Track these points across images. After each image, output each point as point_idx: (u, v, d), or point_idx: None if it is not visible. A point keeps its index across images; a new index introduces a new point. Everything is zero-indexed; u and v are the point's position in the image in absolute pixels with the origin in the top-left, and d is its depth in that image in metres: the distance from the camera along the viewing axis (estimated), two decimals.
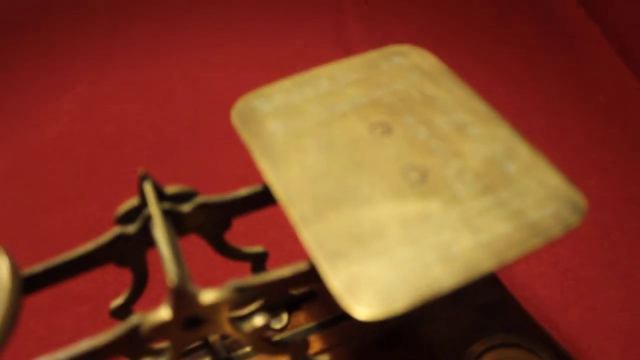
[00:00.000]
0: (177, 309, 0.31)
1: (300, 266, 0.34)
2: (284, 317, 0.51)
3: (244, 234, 0.52)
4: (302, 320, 0.51)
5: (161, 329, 0.32)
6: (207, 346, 0.45)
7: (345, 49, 0.88)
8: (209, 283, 0.35)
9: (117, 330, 0.33)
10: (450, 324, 0.50)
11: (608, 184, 0.65)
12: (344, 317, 0.49)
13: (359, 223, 0.32)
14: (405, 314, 0.48)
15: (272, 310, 0.51)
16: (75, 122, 0.82)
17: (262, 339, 0.37)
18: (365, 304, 0.29)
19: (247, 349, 0.47)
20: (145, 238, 0.38)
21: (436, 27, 0.93)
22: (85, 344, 0.33)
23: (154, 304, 0.33)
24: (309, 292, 0.51)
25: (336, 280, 0.30)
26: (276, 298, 0.41)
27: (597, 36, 0.87)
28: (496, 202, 0.33)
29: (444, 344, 0.48)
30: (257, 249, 0.46)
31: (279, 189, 0.34)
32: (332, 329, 0.49)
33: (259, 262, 0.47)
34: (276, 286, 0.34)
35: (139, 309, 0.42)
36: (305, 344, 0.40)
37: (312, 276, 0.33)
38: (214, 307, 0.32)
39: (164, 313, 0.32)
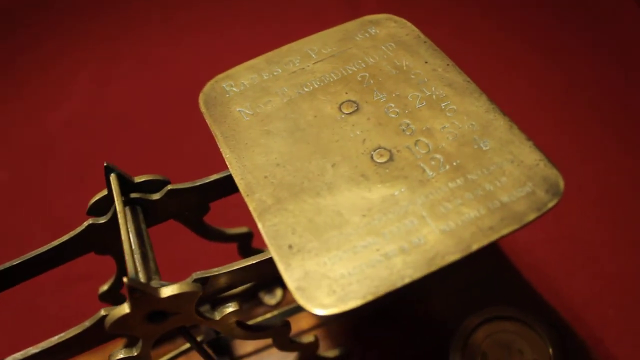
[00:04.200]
0: (135, 304, 0.31)
1: (265, 256, 0.33)
2: (278, 293, 0.51)
3: (233, 214, 0.51)
4: None
5: (124, 323, 0.32)
6: (190, 335, 0.46)
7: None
8: (198, 269, 0.35)
9: (84, 324, 0.33)
10: (446, 297, 0.49)
11: (625, 147, 0.61)
12: None
13: (319, 212, 0.31)
14: (400, 290, 0.47)
15: (266, 286, 0.51)
16: (89, 101, 0.82)
17: (238, 325, 0.37)
18: (318, 303, 0.28)
19: None
20: (119, 227, 0.38)
21: None
22: (55, 339, 0.33)
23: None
24: None
25: (290, 277, 0.29)
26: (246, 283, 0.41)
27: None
28: (466, 185, 0.31)
29: (439, 319, 0.48)
30: (241, 229, 0.46)
31: (239, 178, 0.33)
32: None
33: (244, 243, 0.46)
34: (241, 275, 0.34)
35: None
36: (287, 326, 0.40)
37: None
38: (177, 301, 0.32)
39: (125, 307, 0.31)
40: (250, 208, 0.32)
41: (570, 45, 0.75)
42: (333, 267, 0.29)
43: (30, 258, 0.37)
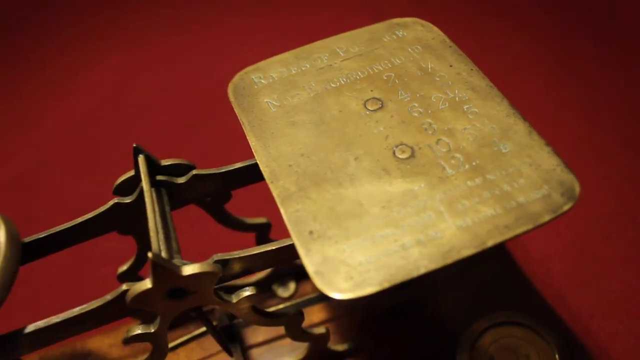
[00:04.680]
0: (157, 279, 0.32)
1: (285, 242, 0.34)
2: (292, 286, 0.52)
3: (254, 205, 0.52)
4: (309, 290, 0.51)
5: (144, 298, 0.33)
6: (206, 317, 0.47)
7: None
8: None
9: (106, 297, 0.34)
10: (457, 299, 0.49)
11: (638, 165, 0.62)
12: None
13: (340, 202, 0.32)
14: (412, 287, 0.47)
15: (280, 279, 0.52)
16: (110, 94, 0.84)
17: (254, 311, 0.38)
18: (335, 287, 0.29)
19: None
20: (143, 208, 0.39)
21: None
22: (76, 310, 0.34)
23: None
24: None
25: (310, 262, 0.30)
26: (264, 268, 0.42)
27: None
28: (484, 184, 0.32)
29: (448, 320, 0.48)
30: (260, 220, 0.47)
31: (264, 166, 0.34)
32: (336, 300, 0.50)
33: (262, 233, 0.47)
34: (260, 260, 0.35)
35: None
36: (300, 316, 0.40)
37: (295, 252, 0.33)
38: (197, 279, 0.33)
39: (147, 282, 0.33)
40: (274, 194, 0.33)
41: (596, 57, 0.76)
42: (351, 254, 0.30)
43: (57, 232, 0.38)
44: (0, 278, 0.33)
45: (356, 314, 0.49)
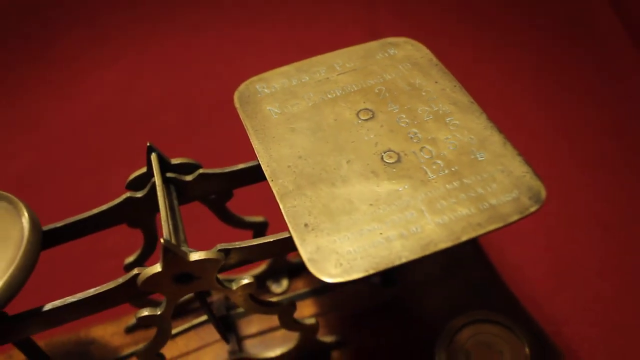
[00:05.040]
0: (167, 264, 0.36)
1: (281, 235, 0.38)
2: (284, 282, 0.55)
3: (251, 204, 0.56)
4: (301, 286, 0.55)
5: (154, 281, 0.36)
6: (207, 304, 0.50)
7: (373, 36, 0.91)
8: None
9: (118, 281, 0.38)
10: (438, 300, 0.53)
11: (615, 179, 0.66)
12: (337, 286, 0.53)
13: (333, 200, 0.36)
14: (397, 287, 0.51)
15: (274, 276, 0.56)
16: (117, 94, 0.88)
17: (251, 298, 0.41)
18: (326, 272, 0.33)
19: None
20: (153, 203, 0.43)
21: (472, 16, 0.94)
22: (91, 291, 0.38)
23: None
24: None
25: (305, 250, 0.34)
26: (263, 259, 0.45)
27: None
28: (461, 187, 0.36)
29: (430, 317, 0.52)
30: (257, 218, 0.50)
31: (265, 166, 0.38)
32: (326, 296, 0.53)
33: (259, 231, 0.51)
34: (259, 251, 0.38)
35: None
36: (293, 306, 0.44)
37: (291, 244, 0.37)
38: (202, 265, 0.37)
39: (157, 267, 0.36)
40: (274, 191, 0.37)
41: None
42: (341, 245, 0.34)
43: (73, 222, 0.42)
44: (24, 261, 0.37)
45: (344, 310, 0.53)
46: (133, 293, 0.38)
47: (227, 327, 0.51)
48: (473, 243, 0.57)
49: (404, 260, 0.33)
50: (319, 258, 0.33)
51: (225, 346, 0.50)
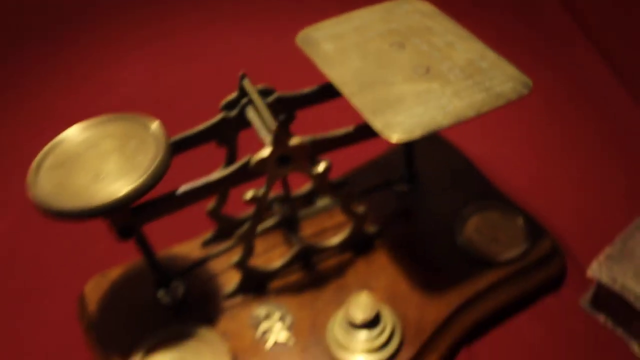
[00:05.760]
0: (275, 146, 0.49)
1: (357, 125, 0.53)
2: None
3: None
4: None
5: (262, 163, 0.50)
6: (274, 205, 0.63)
7: None
8: None
9: (234, 166, 0.51)
10: (444, 200, 0.68)
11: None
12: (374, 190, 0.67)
13: (388, 95, 0.51)
14: (418, 193, 0.66)
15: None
16: (142, 85, 0.99)
17: (324, 181, 0.55)
18: (395, 135, 0.48)
19: (305, 211, 0.66)
20: (241, 121, 0.56)
21: None
22: (215, 175, 0.51)
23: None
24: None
25: (377, 123, 0.49)
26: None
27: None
28: (474, 83, 0.52)
29: (442, 212, 0.67)
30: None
31: (336, 79, 0.53)
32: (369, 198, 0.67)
33: None
34: (341, 140, 0.53)
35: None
36: (354, 192, 0.58)
37: (365, 132, 0.52)
38: (298, 149, 0.51)
39: (265, 151, 0.50)
40: (345, 93, 0.52)
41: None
42: (402, 120, 0.49)
43: (179, 139, 0.55)
44: (161, 166, 0.49)
45: (377, 212, 0.67)
46: (244, 177, 0.52)
47: (292, 228, 0.64)
48: (469, 164, 0.72)
49: (445, 124, 0.48)
50: (387, 127, 0.48)
51: (288, 246, 0.63)
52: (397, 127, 0.48)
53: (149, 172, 0.48)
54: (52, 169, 0.50)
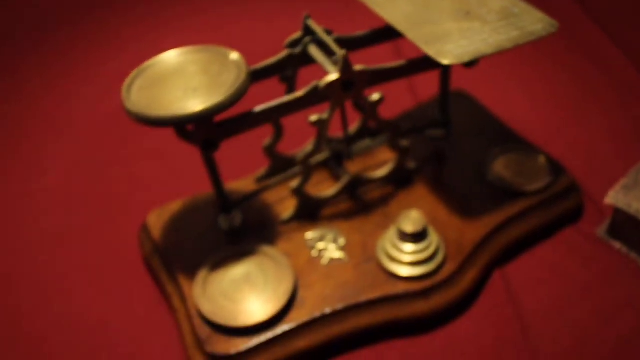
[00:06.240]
0: (342, 71, 0.57)
1: (410, 60, 0.61)
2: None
3: None
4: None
5: (329, 87, 0.58)
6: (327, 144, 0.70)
7: None
8: None
9: (305, 89, 0.58)
10: (473, 145, 0.76)
11: None
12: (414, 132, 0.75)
13: (436, 31, 0.59)
14: (451, 138, 0.74)
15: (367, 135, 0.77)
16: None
17: (375, 111, 0.62)
18: (446, 60, 0.55)
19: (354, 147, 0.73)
20: (303, 58, 0.64)
21: None
22: (287, 98, 0.58)
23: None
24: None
25: (431, 51, 0.57)
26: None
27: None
28: (509, 24, 0.60)
29: (472, 154, 0.74)
30: None
31: (389, 18, 0.61)
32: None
33: None
34: (396, 71, 0.61)
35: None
36: (400, 128, 0.65)
37: (416, 65, 0.60)
38: (361, 75, 0.58)
39: (333, 75, 0.57)
40: (401, 29, 0.60)
41: None
42: (451, 48, 0.57)
43: (255, 69, 0.62)
44: (244, 84, 0.56)
45: (417, 153, 0.74)
46: (311, 100, 0.59)
47: (339, 164, 0.71)
48: (493, 117, 0.80)
49: (488, 52, 0.57)
50: (439, 54, 0.56)
51: (335, 180, 0.70)
52: (448, 54, 0.56)
53: (235, 87, 0.55)
54: (143, 89, 0.57)
